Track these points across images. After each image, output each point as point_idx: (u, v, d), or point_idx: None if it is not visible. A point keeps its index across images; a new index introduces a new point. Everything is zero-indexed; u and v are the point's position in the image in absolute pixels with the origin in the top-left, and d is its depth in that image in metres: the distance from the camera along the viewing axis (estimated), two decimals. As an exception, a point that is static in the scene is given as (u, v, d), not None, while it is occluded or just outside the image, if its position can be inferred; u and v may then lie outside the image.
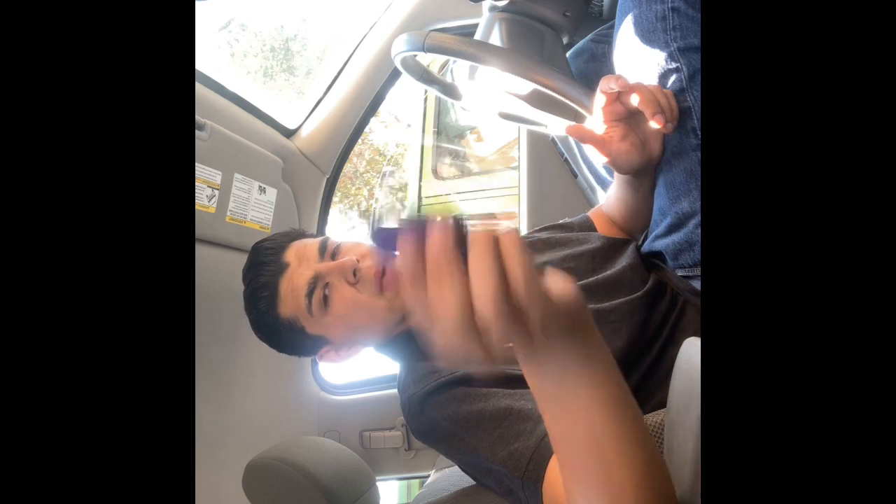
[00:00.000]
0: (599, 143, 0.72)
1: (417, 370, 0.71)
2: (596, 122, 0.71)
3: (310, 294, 0.73)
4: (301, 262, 0.76)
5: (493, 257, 0.33)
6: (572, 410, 0.40)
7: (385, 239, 0.36)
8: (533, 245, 0.85)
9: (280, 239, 0.81)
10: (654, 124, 0.65)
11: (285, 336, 0.78)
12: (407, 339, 0.77)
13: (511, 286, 0.33)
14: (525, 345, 0.36)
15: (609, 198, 0.90)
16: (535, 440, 0.53)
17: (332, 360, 0.81)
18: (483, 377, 0.63)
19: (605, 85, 0.67)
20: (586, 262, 0.78)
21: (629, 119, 0.70)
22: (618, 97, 0.68)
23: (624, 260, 0.77)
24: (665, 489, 0.41)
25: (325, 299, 0.74)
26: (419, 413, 0.67)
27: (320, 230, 1.47)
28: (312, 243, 0.78)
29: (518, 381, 0.60)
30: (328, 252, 0.77)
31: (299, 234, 0.83)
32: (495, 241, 0.34)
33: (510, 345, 0.35)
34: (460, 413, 0.62)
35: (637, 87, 0.66)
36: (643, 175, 0.76)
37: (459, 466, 0.70)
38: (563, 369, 0.38)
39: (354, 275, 0.74)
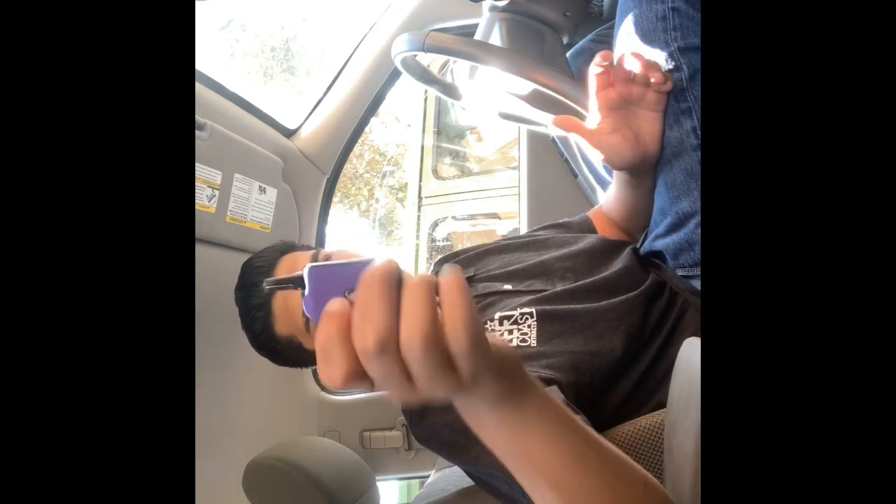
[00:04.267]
0: (588, 134, 0.70)
1: None
2: (592, 114, 0.70)
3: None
4: None
5: (428, 298, 0.31)
6: (523, 469, 0.38)
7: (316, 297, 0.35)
8: (529, 245, 0.85)
9: (270, 255, 0.79)
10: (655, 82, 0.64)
11: (284, 353, 0.78)
12: None
13: (446, 330, 0.31)
14: (454, 392, 0.33)
15: (608, 197, 0.90)
16: None
17: None
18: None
19: (594, 66, 0.66)
20: (583, 261, 0.78)
21: (623, 111, 0.69)
22: (610, 77, 0.67)
23: (621, 262, 0.77)
24: None
25: None
26: (420, 419, 0.67)
27: (320, 230, 1.47)
28: (304, 258, 0.77)
29: None
30: None
31: (289, 248, 0.82)
32: (434, 284, 0.31)
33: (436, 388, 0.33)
34: (460, 419, 0.62)
35: (625, 53, 0.65)
36: (640, 173, 0.74)
37: (464, 471, 0.70)
38: (507, 425, 0.37)
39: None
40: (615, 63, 0.67)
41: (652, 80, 0.65)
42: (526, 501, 0.54)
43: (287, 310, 0.74)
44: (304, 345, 0.76)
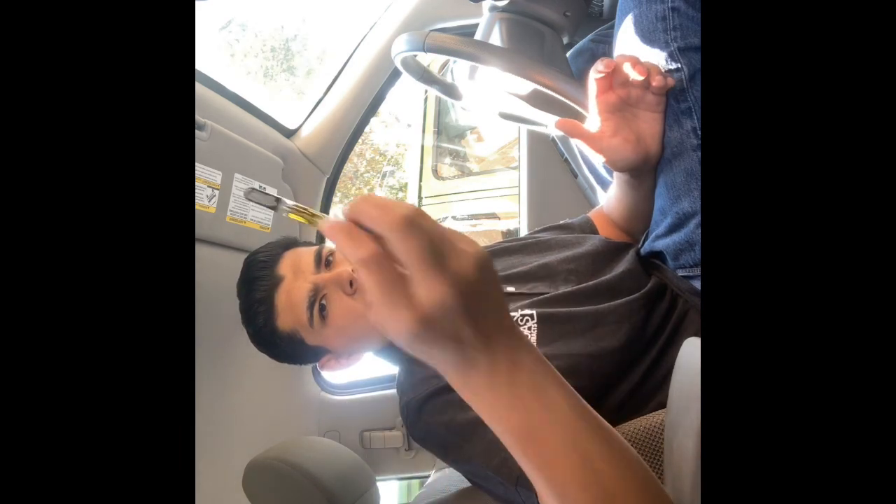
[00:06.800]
0: (590, 137, 0.70)
1: (415, 374, 0.71)
2: (592, 116, 0.70)
3: (311, 307, 0.72)
4: (297, 274, 0.75)
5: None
6: (519, 447, 0.38)
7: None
8: (531, 247, 0.85)
9: (273, 250, 0.80)
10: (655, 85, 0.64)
11: (285, 348, 0.77)
12: None
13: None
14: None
15: (609, 198, 0.90)
16: None
17: (333, 368, 0.81)
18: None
19: (594, 71, 0.66)
20: (587, 264, 0.78)
21: (623, 113, 0.69)
22: (610, 81, 0.67)
23: (624, 264, 0.77)
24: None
25: (323, 310, 0.73)
26: (417, 419, 0.67)
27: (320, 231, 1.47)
28: (307, 253, 0.77)
29: None
30: (324, 261, 0.76)
31: (292, 243, 0.82)
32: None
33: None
34: (456, 420, 0.61)
35: (623, 57, 0.65)
36: (641, 174, 0.75)
37: (460, 472, 0.70)
38: (500, 402, 0.37)
39: (351, 285, 0.73)
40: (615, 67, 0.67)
41: (653, 83, 0.65)
42: (523, 502, 0.54)
43: (290, 304, 0.74)
44: (306, 340, 0.76)
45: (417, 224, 0.33)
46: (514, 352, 0.37)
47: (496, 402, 0.37)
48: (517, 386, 0.36)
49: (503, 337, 0.36)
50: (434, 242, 0.33)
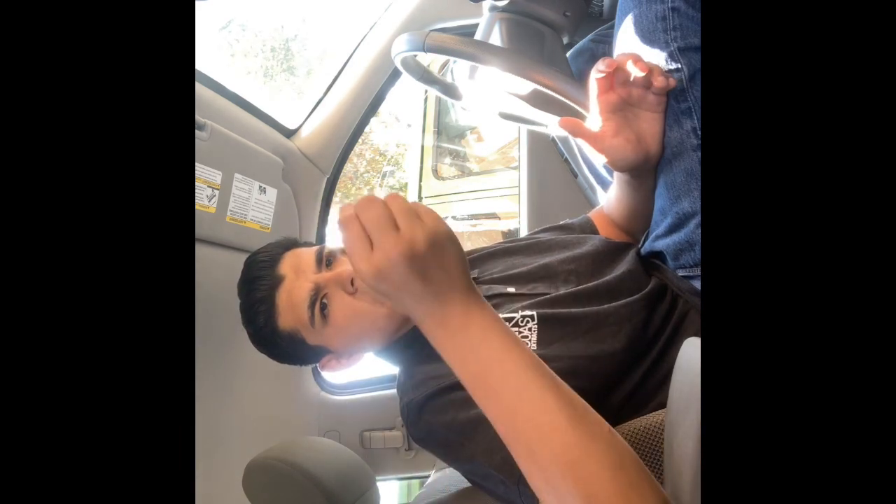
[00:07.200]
0: (592, 138, 0.70)
1: (416, 375, 0.71)
2: (593, 117, 0.70)
3: (312, 306, 0.72)
4: (298, 273, 0.75)
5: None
6: (476, 390, 0.46)
7: None
8: (531, 247, 0.85)
9: (274, 250, 0.80)
10: (656, 84, 0.64)
11: (286, 348, 0.77)
12: (406, 344, 0.77)
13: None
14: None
15: (609, 198, 0.90)
16: None
17: (333, 368, 0.81)
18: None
19: (595, 71, 0.66)
20: (587, 264, 0.78)
21: (624, 113, 0.69)
22: (611, 81, 0.67)
23: (624, 265, 0.76)
24: (619, 460, 0.42)
25: (325, 310, 0.73)
26: (417, 419, 0.67)
27: (320, 230, 1.47)
28: (308, 253, 0.77)
29: None
30: (325, 261, 0.76)
31: (293, 244, 0.82)
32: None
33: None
34: (458, 419, 0.61)
35: (624, 56, 0.65)
36: (642, 174, 0.75)
37: (461, 472, 0.70)
38: (458, 347, 0.46)
39: (352, 284, 0.73)
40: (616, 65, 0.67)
41: (654, 83, 0.65)
42: (521, 500, 0.54)
43: (291, 304, 0.74)
44: (307, 339, 0.76)
45: (374, 200, 0.45)
46: (465, 307, 0.45)
47: (454, 350, 0.46)
48: (469, 337, 0.45)
49: (456, 294, 0.46)
50: (390, 216, 0.44)
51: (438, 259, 0.45)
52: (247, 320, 0.78)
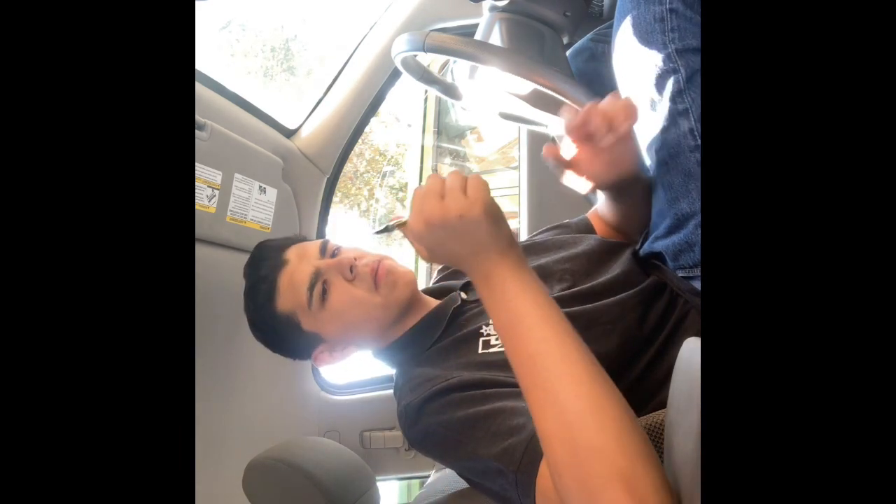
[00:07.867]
0: (573, 166, 0.73)
1: (413, 378, 0.71)
2: (567, 146, 0.72)
3: (311, 288, 0.75)
4: (301, 259, 0.78)
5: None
6: (507, 339, 0.52)
7: None
8: (528, 249, 0.86)
9: (282, 240, 0.84)
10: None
11: (281, 332, 0.79)
12: (403, 346, 0.78)
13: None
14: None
15: (600, 205, 0.91)
16: (528, 434, 0.53)
17: (325, 361, 0.82)
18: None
19: (564, 111, 0.69)
20: (582, 264, 0.78)
21: (593, 139, 0.69)
22: (585, 121, 0.68)
23: (620, 265, 0.77)
24: (620, 422, 0.45)
25: (324, 294, 0.75)
26: (415, 422, 0.67)
27: (321, 230, 1.47)
28: (313, 243, 0.81)
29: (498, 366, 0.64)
30: (328, 252, 0.79)
31: (301, 239, 0.85)
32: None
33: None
34: (456, 417, 0.61)
35: (588, 111, 0.66)
36: (623, 189, 0.77)
37: (457, 472, 0.70)
38: (496, 298, 0.53)
39: (351, 271, 0.76)
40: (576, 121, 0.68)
41: (618, 129, 0.66)
42: (517, 493, 0.54)
43: (291, 285, 0.76)
44: (303, 324, 0.77)
45: (455, 171, 0.55)
46: (492, 268, 0.54)
47: (487, 299, 0.54)
48: (495, 292, 0.53)
49: (482, 258, 0.54)
50: (463, 183, 0.54)
51: (490, 224, 0.53)
52: (248, 297, 0.81)
